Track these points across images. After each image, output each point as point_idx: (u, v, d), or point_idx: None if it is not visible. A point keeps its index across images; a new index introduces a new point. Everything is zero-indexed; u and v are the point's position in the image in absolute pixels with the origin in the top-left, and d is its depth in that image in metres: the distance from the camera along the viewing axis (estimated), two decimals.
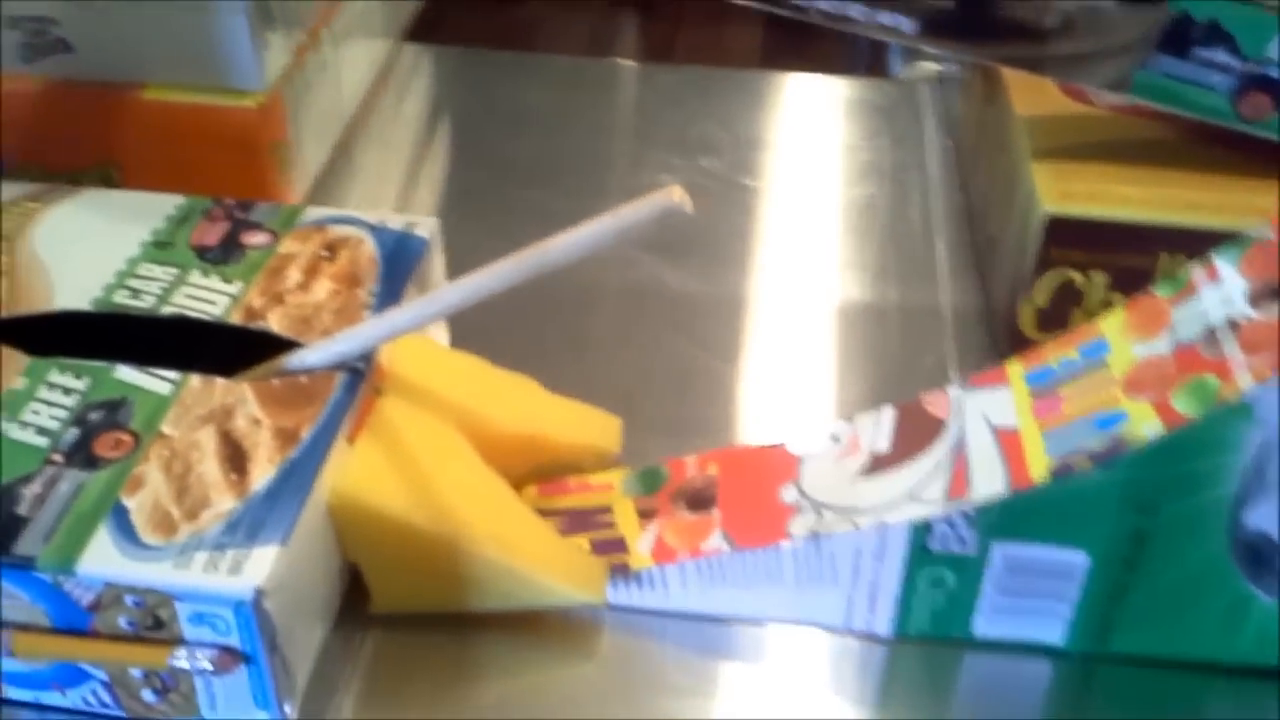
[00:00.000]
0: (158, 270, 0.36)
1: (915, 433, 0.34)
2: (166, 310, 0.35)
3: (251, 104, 0.44)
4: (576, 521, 0.35)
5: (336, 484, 0.31)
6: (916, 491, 0.32)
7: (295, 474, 0.30)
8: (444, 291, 0.32)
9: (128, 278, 0.36)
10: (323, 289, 0.36)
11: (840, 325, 0.45)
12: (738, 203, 0.52)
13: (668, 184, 0.30)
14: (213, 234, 0.38)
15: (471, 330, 0.39)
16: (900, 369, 0.43)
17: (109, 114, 0.44)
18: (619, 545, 0.34)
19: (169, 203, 0.39)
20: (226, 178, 0.43)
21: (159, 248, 0.37)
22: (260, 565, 0.28)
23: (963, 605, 0.32)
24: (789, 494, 0.34)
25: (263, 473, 0.30)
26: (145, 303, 0.35)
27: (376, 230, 0.38)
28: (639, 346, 0.43)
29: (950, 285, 0.47)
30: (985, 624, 0.32)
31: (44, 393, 0.31)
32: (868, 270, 0.48)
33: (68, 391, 0.32)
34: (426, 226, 0.39)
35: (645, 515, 0.35)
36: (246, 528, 0.28)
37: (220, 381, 0.32)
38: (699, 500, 0.35)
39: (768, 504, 0.34)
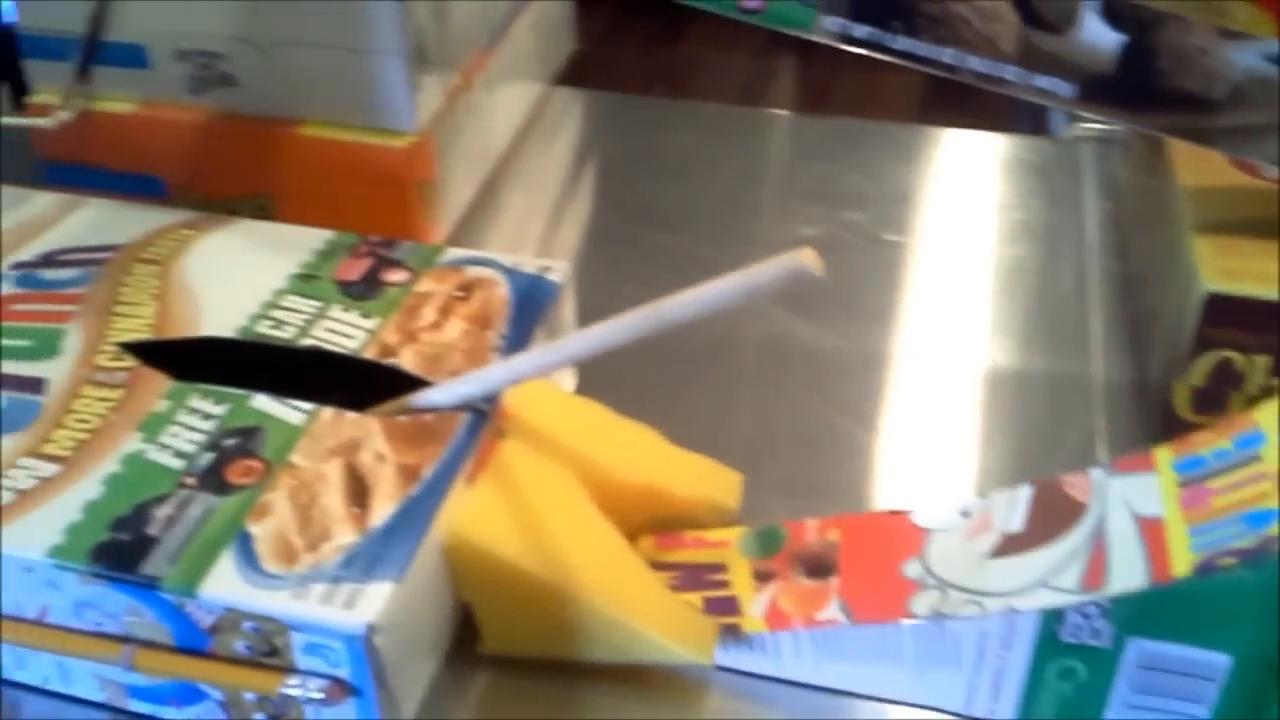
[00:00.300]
0: (301, 302, 0.37)
1: (1052, 515, 0.32)
2: (306, 342, 0.36)
3: (403, 144, 0.45)
4: (690, 578, 0.34)
5: (453, 524, 0.31)
6: (1049, 577, 0.31)
7: (414, 512, 0.30)
8: (569, 341, 0.32)
9: (272, 308, 0.37)
10: (455, 329, 0.36)
11: (982, 391, 0.43)
12: (881, 258, 0.50)
13: (810, 237, 0.30)
14: (356, 269, 0.39)
15: (599, 375, 0.39)
16: (1044, 441, 0.41)
17: (267, 147, 0.45)
18: (731, 606, 0.33)
19: (318, 237, 0.41)
20: (375, 213, 0.44)
21: (304, 280, 0.38)
22: (374, 601, 0.28)
23: (1092, 699, 0.30)
24: (913, 569, 0.32)
25: (384, 509, 0.30)
26: (287, 333, 0.36)
27: (511, 273, 0.39)
28: (768, 402, 0.43)
29: (1102, 356, 0.45)
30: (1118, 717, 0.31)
31: (184, 416, 0.33)
32: (1015, 335, 0.46)
33: (206, 416, 0.33)
34: (559, 271, 0.39)
35: (761, 577, 0.34)
36: (364, 563, 0.29)
37: (350, 416, 0.33)
38: (818, 567, 0.34)
39: (889, 577, 0.32)
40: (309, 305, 0.37)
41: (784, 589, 0.33)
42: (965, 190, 0.55)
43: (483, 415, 0.33)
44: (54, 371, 0.34)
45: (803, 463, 0.40)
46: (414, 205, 0.46)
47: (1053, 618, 0.30)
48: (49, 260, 0.39)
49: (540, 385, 0.36)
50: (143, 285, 0.37)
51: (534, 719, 0.32)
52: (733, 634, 0.32)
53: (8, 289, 0.37)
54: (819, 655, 0.32)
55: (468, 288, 0.38)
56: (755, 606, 0.33)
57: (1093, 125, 0.59)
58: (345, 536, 0.29)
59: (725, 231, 0.52)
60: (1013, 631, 0.30)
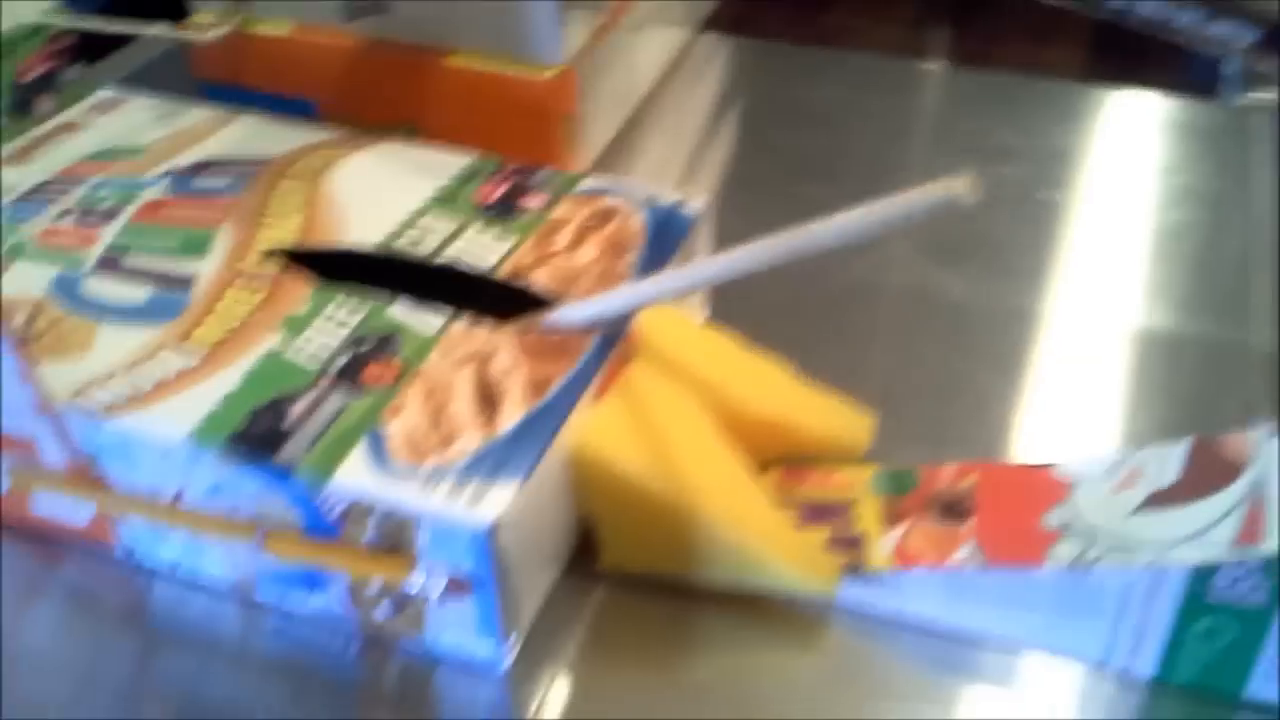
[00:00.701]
0: (439, 221, 0.37)
1: (1208, 472, 0.30)
2: (442, 259, 0.36)
3: (547, 76, 0.45)
4: (817, 513, 0.33)
5: (579, 437, 0.31)
6: (1201, 534, 0.29)
7: (541, 421, 0.30)
8: (706, 263, 0.32)
9: (411, 226, 0.37)
10: (588, 253, 0.36)
11: (1135, 353, 0.41)
12: (1034, 216, 0.48)
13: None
14: (494, 192, 0.39)
15: (733, 310, 0.39)
16: (1197, 409, 0.39)
17: (415, 75, 0.46)
18: (857, 543, 0.32)
19: (459, 161, 0.41)
20: (518, 144, 0.44)
21: (442, 201, 0.38)
22: (499, 500, 0.28)
23: (1240, 661, 0.29)
24: (1055, 518, 0.31)
25: (511, 416, 0.30)
26: (425, 250, 0.36)
27: (648, 203, 0.38)
28: (906, 350, 0.41)
29: (1265, 325, 0.42)
30: (1262, 684, 0.29)
31: (323, 319, 0.33)
32: (1172, 299, 0.44)
33: (344, 321, 0.33)
34: (697, 203, 0.39)
35: (891, 517, 0.33)
36: (490, 465, 0.29)
37: (483, 327, 0.33)
38: (953, 509, 0.32)
39: (1029, 525, 0.31)
40: (447, 224, 0.37)
41: (916, 529, 0.32)
42: (1127, 151, 0.53)
43: (613, 336, 0.33)
44: (201, 271, 0.35)
45: (939, 411, 0.39)
46: (555, 138, 0.46)
47: (1202, 575, 0.28)
48: (201, 168, 0.40)
49: (672, 314, 0.35)
50: (290, 196, 0.38)
51: (648, 637, 0.31)
52: (857, 569, 0.31)
53: (162, 193, 0.39)
54: (948, 596, 0.31)
55: (604, 215, 0.38)
56: (884, 544, 0.32)
57: (1266, 95, 0.56)
58: (474, 440, 0.29)
59: (867, 183, 0.50)
60: (1159, 585, 0.29)
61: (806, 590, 0.31)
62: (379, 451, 0.29)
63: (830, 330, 0.42)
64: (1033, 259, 0.46)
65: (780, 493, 0.34)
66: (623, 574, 0.32)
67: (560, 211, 0.38)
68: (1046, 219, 0.48)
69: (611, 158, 0.51)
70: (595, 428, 0.31)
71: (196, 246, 0.36)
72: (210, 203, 0.38)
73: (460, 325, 0.33)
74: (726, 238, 0.40)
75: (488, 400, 0.31)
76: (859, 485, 0.34)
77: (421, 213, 0.38)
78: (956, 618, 0.31)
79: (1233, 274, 0.45)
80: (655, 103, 0.55)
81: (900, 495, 0.33)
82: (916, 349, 0.41)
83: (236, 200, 0.38)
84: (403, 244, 0.36)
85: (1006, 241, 0.47)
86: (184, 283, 0.34)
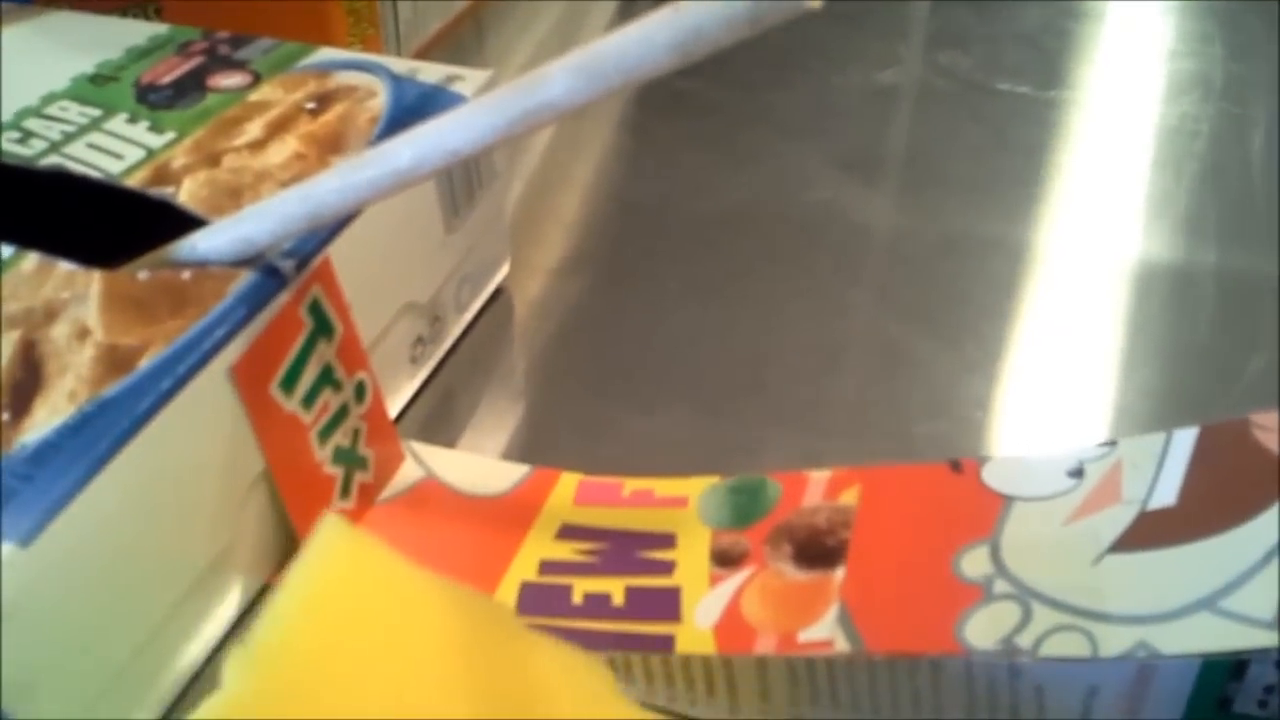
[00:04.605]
0: (74, 110, 0.25)
1: (1228, 480, 0.18)
2: (53, 160, 0.23)
3: None
4: (616, 555, 0.21)
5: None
6: (1220, 594, 0.17)
7: (97, 426, 0.18)
8: (406, 141, 0.19)
9: (29, 116, 0.25)
10: (282, 151, 0.24)
11: (1127, 293, 0.29)
12: (990, 113, 0.36)
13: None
14: (171, 70, 0.26)
15: (577, 255, 0.26)
16: (1212, 369, 0.27)
17: None
18: (669, 604, 0.20)
19: (146, 31, 0.28)
20: (287, 25, 0.32)
21: (95, 83, 0.26)
22: None
23: None
24: (974, 562, 0.19)
25: (48, 417, 0.18)
26: (33, 149, 0.24)
27: (399, 81, 0.26)
28: (806, 299, 0.29)
29: None
30: None
31: None
32: (1176, 220, 0.32)
33: None
34: (473, 81, 0.26)
35: (723, 560, 0.21)
36: None
37: (62, 267, 0.21)
38: (816, 548, 0.20)
39: (932, 572, 0.19)
40: (82, 114, 0.25)
41: (757, 582, 0.20)
42: (1116, 32, 0.40)
43: (277, 276, 0.21)
44: None
45: (835, 382, 0.26)
46: (334, 15, 0.34)
47: (1222, 670, 0.16)
48: None
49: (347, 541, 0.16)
50: None
51: None
52: (649, 665, 0.19)
53: None
54: (801, 700, 0.19)
55: (325, 99, 0.25)
56: (703, 610, 0.20)
57: None
58: None
59: (779, 75, 0.38)
60: (1147, 690, 0.17)
61: None
62: None
63: (706, 275, 0.30)
64: (991, 169, 0.34)
65: (568, 521, 0.22)
66: None
67: (262, 93, 0.26)
68: (1008, 119, 0.36)
69: (443, 53, 0.38)
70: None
71: None
72: None
73: (29, 263, 0.21)
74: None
75: (23, 387, 0.18)
76: (686, 506, 0.22)
77: (52, 99, 0.25)
78: None
79: (1256, 185, 0.33)
80: None
81: (742, 525, 0.21)
82: (820, 301, 0.29)
83: None
84: (4, 142, 0.24)
85: (947, 150, 0.34)
86: None
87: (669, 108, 0.36)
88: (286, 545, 0.22)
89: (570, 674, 0.16)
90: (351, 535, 0.15)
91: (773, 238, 0.31)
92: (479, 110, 0.18)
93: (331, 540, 0.15)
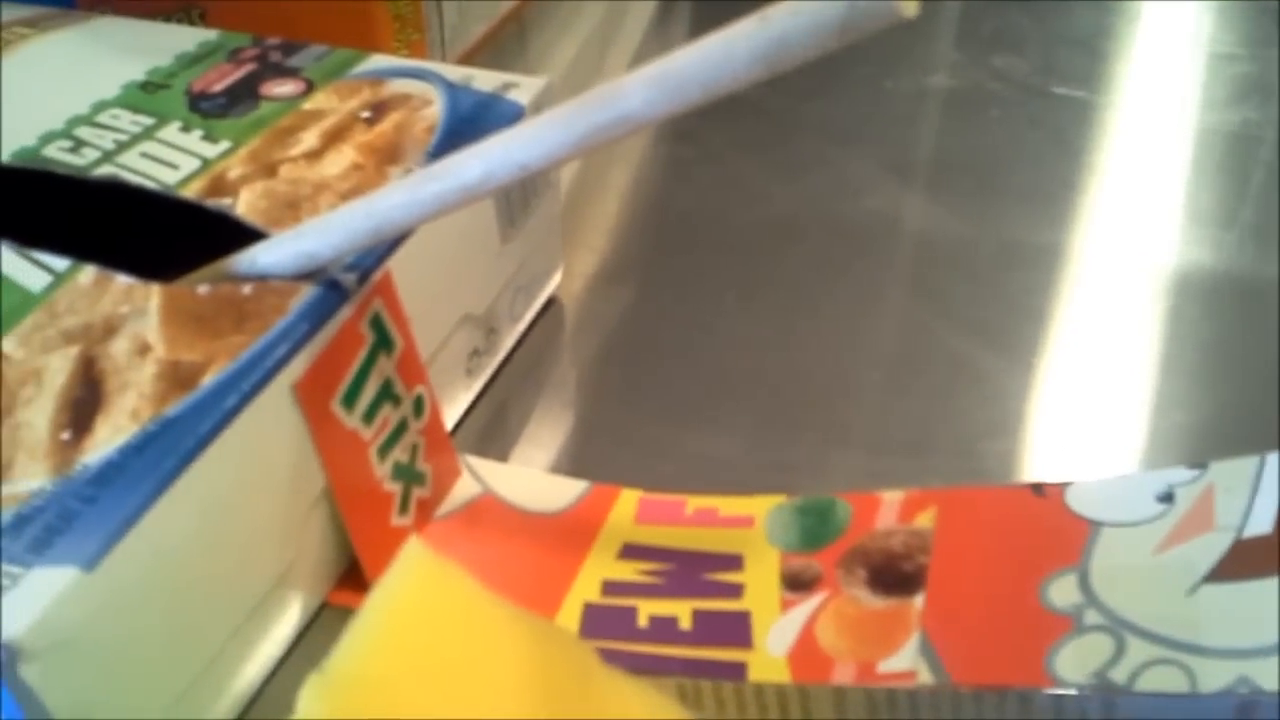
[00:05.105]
0: (126, 118, 0.25)
1: None
2: (106, 171, 0.23)
3: None
4: (681, 577, 0.21)
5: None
6: None
7: (161, 445, 0.17)
8: (475, 155, 0.18)
9: (81, 125, 0.24)
10: (339, 162, 0.23)
11: (1170, 303, 0.28)
12: (1043, 117, 0.35)
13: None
14: (223, 78, 0.26)
15: (627, 263, 0.26)
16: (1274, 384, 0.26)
17: None
18: (739, 630, 0.19)
19: (195, 37, 0.28)
20: (333, 30, 0.32)
21: (146, 90, 0.26)
22: (34, 601, 0.15)
23: None
24: (1062, 589, 0.18)
25: (110, 435, 0.17)
26: (85, 159, 0.23)
27: (454, 89, 0.25)
28: (863, 309, 0.28)
29: None
30: None
31: None
32: (1226, 226, 0.31)
33: None
34: (529, 89, 0.25)
35: (794, 584, 0.20)
36: (42, 526, 0.16)
37: (120, 281, 0.20)
38: (892, 574, 0.20)
39: (1018, 601, 0.18)
40: (134, 122, 0.24)
41: (831, 609, 0.19)
42: (1168, 35, 0.40)
43: (339, 290, 0.20)
44: None
45: (904, 402, 0.26)
46: (379, 19, 0.33)
47: None
48: None
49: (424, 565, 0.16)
50: None
51: None
52: (723, 691, 0.19)
53: None
54: None
55: (380, 107, 0.25)
56: (775, 637, 0.19)
57: None
58: (31, 477, 0.17)
59: (829, 80, 0.37)
60: None
61: None
62: None
63: (760, 282, 0.29)
64: (1037, 174, 0.33)
65: (630, 540, 0.22)
66: None
67: (316, 101, 0.25)
68: (1059, 123, 0.35)
69: (488, 56, 0.38)
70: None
71: None
72: None
73: (86, 276, 0.20)
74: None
75: (82, 405, 0.18)
76: (753, 526, 0.21)
77: (103, 107, 0.25)
78: None
79: None
80: None
81: (813, 548, 0.21)
82: (873, 312, 0.28)
83: None
84: (54, 151, 0.23)
85: (1000, 153, 0.34)
86: None
87: (716, 114, 0.36)
88: (344, 563, 0.21)
89: (645, 710, 0.16)
90: (434, 562, 0.15)
91: (826, 247, 0.30)
92: (550, 123, 0.17)
93: (414, 567, 0.14)
